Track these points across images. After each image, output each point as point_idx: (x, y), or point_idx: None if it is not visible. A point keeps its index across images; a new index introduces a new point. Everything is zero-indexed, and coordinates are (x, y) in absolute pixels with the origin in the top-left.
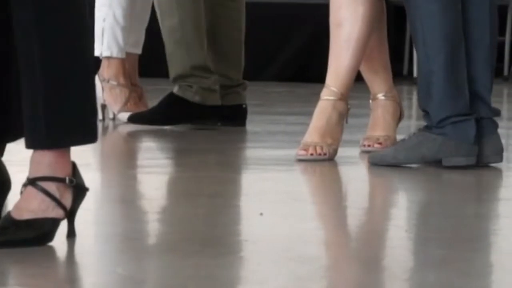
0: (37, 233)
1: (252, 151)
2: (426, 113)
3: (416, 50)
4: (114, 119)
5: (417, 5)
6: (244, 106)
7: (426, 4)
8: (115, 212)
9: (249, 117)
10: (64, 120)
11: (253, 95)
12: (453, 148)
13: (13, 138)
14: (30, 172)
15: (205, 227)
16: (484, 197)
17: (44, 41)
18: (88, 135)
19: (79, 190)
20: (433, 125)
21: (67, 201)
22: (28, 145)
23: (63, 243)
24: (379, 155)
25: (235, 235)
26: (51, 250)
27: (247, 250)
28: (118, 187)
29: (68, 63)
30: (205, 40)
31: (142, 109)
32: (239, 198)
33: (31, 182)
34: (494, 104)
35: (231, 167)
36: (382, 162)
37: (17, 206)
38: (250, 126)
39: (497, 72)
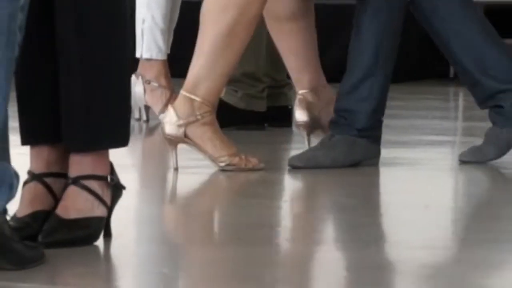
0: (85, 232)
1: (297, 152)
2: None
3: None
4: (147, 120)
5: None
6: (290, 107)
7: None
8: (156, 213)
9: None
10: (101, 124)
11: None
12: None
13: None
14: (71, 171)
15: (250, 228)
16: None
17: (83, 45)
18: (121, 139)
19: (117, 189)
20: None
21: (108, 199)
22: (68, 146)
23: (107, 242)
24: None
25: (279, 235)
26: (96, 250)
27: (290, 251)
28: (158, 188)
29: (106, 67)
30: (262, 48)
31: None
32: (282, 199)
33: (74, 181)
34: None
35: (274, 169)
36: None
37: (63, 205)
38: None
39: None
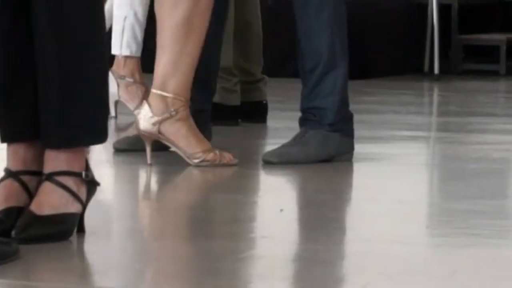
0: (59, 228)
1: (272, 147)
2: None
3: None
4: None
5: None
6: (264, 102)
7: None
8: (129, 209)
9: (270, 113)
10: (77, 120)
11: (273, 92)
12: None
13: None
14: (46, 167)
15: (224, 223)
16: None
17: (59, 42)
18: (99, 135)
19: (91, 185)
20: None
21: (83, 195)
22: (44, 143)
23: (80, 238)
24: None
25: (252, 232)
26: (70, 245)
27: (264, 246)
28: (132, 184)
29: (82, 64)
30: (231, 40)
31: None
32: (256, 194)
33: (48, 177)
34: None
35: (248, 164)
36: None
37: (37, 201)
38: (270, 122)
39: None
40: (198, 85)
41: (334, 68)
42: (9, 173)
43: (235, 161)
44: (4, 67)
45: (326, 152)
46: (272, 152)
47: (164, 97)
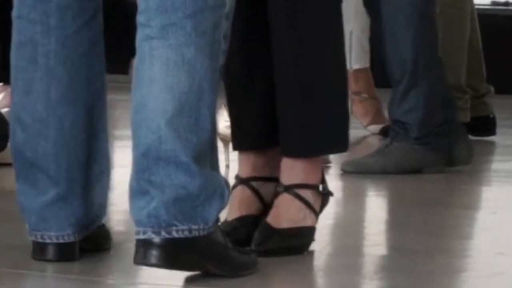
0: (297, 242)
1: (500, 165)
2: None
3: None
4: None
5: None
6: (491, 116)
7: None
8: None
9: (500, 130)
10: (318, 129)
11: (500, 108)
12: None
13: None
14: (283, 178)
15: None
16: None
17: (299, 52)
18: (340, 145)
19: (326, 197)
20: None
21: (318, 208)
22: (283, 152)
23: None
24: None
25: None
26: (306, 259)
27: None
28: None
29: (323, 74)
30: (465, 59)
31: (385, 121)
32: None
33: (287, 189)
34: None
35: (478, 179)
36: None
37: (274, 214)
38: (499, 138)
39: None
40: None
41: (417, 82)
42: (240, 180)
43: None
44: (237, 75)
45: (408, 164)
46: (349, 162)
47: None
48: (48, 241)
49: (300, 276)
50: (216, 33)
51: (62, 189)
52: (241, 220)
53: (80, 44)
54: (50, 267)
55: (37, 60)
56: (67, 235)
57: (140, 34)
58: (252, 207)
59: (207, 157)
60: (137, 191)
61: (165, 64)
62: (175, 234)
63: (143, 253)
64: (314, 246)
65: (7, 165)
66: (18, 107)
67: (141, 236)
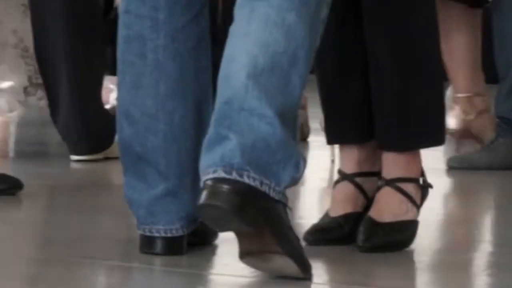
0: (402, 236)
1: None
2: None
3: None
4: None
5: None
6: None
7: None
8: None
9: None
10: (417, 122)
11: None
12: None
13: None
14: (385, 172)
15: None
16: None
17: (395, 46)
18: (437, 138)
19: (426, 190)
20: None
21: (419, 201)
22: (382, 146)
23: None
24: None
25: None
26: (407, 254)
27: None
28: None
29: (419, 67)
30: None
31: None
32: None
33: (389, 183)
34: None
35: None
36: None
37: (377, 208)
38: None
39: None
40: None
41: None
42: (344, 176)
43: None
44: (331, 69)
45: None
46: (454, 157)
47: None
48: (156, 234)
49: (402, 272)
50: (318, 10)
51: (172, 183)
52: (345, 217)
53: (188, 39)
54: (157, 261)
55: (146, 55)
56: (175, 229)
57: None
58: (357, 203)
59: (290, 122)
60: (213, 140)
61: (264, 22)
62: (246, 179)
63: (211, 192)
64: (422, 242)
65: (114, 158)
66: (126, 102)
67: (211, 175)
